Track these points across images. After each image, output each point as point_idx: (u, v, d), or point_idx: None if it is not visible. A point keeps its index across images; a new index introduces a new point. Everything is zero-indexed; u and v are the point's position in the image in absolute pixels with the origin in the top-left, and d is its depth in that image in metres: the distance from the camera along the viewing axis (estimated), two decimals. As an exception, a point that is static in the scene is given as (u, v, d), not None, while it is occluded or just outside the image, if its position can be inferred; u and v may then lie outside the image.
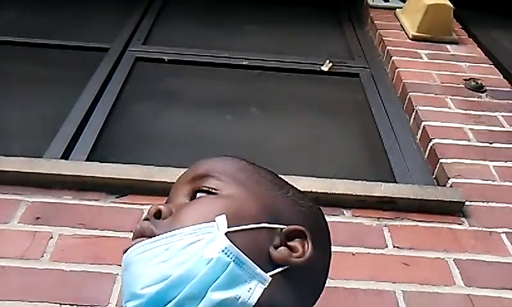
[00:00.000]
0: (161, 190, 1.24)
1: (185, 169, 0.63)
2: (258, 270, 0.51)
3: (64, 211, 1.23)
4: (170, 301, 0.48)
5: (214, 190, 0.57)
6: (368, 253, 1.19)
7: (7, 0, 2.50)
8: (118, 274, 1.08)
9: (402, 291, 1.09)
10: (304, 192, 0.65)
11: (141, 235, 0.54)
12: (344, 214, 1.29)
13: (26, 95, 1.81)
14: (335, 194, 1.30)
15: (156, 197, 1.24)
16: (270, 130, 1.74)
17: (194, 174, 0.60)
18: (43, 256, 1.11)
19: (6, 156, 1.34)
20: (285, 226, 0.56)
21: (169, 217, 0.55)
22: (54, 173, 1.30)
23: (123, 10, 2.46)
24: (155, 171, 1.31)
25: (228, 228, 0.51)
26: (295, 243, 0.56)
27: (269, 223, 0.55)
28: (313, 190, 1.27)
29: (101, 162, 1.36)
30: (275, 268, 0.53)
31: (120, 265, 1.10)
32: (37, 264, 1.09)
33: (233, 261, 0.49)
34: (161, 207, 0.56)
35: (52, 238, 1.16)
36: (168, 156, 1.51)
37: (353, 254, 1.18)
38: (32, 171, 1.30)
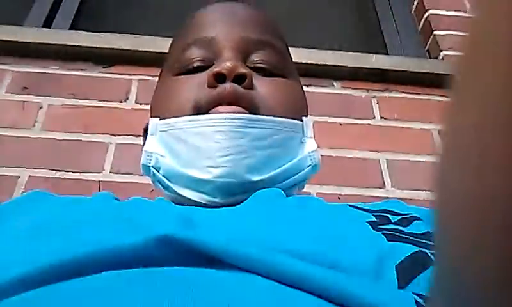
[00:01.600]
0: (150, 59, 1.22)
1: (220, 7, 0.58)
2: None
3: (51, 81, 1.21)
4: (262, 187, 0.47)
5: (280, 72, 0.54)
6: (356, 124, 1.21)
7: None
8: (110, 143, 1.10)
9: (386, 159, 1.14)
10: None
11: (236, 101, 0.48)
12: (333, 85, 1.29)
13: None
14: (325, 65, 1.28)
15: (145, 67, 1.23)
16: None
17: (254, 34, 0.55)
18: (34, 126, 1.12)
19: (-15, 23, 1.29)
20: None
21: (252, 91, 0.51)
22: (38, 42, 1.26)
23: None
24: (143, 41, 1.27)
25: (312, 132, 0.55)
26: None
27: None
28: (304, 61, 1.26)
29: (85, 31, 1.32)
30: None
31: (112, 134, 1.12)
32: (29, 133, 1.10)
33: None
34: (245, 72, 0.50)
35: (41, 108, 1.16)
36: (156, 24, 1.46)
37: (341, 125, 1.20)
38: (15, 40, 1.26)
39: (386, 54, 1.43)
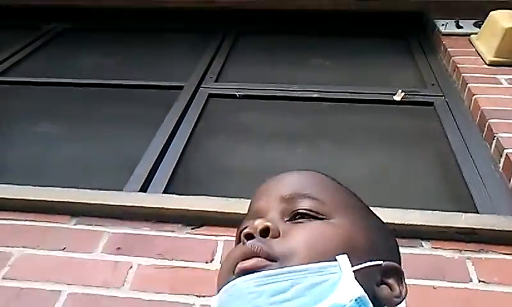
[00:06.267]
0: (235, 221, 1.25)
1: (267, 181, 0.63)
2: None
3: (142, 241, 1.28)
4: None
5: (317, 215, 0.55)
6: (451, 287, 1.12)
7: (89, 47, 2.71)
8: (193, 304, 1.09)
9: (491, 329, 1.02)
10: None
11: (252, 256, 0.49)
12: (422, 246, 1.23)
13: (108, 132, 1.93)
14: (412, 225, 1.25)
15: (231, 228, 1.26)
16: (342, 161, 1.72)
17: (289, 191, 0.58)
18: (123, 285, 1.15)
19: (90, 189, 1.42)
20: (383, 262, 0.55)
21: (279, 239, 0.52)
22: (134, 205, 1.36)
23: (196, 50, 2.58)
24: (229, 203, 1.33)
25: (350, 268, 0.49)
26: (391, 281, 0.55)
27: (377, 259, 0.54)
28: (390, 221, 1.23)
29: (177, 194, 1.41)
30: None
31: (197, 296, 1.12)
32: (119, 293, 1.13)
33: None
34: (269, 225, 0.53)
35: (131, 267, 1.20)
36: (241, 188, 1.52)
37: (434, 288, 1.12)
38: (114, 203, 1.37)
39: (476, 212, 1.37)
